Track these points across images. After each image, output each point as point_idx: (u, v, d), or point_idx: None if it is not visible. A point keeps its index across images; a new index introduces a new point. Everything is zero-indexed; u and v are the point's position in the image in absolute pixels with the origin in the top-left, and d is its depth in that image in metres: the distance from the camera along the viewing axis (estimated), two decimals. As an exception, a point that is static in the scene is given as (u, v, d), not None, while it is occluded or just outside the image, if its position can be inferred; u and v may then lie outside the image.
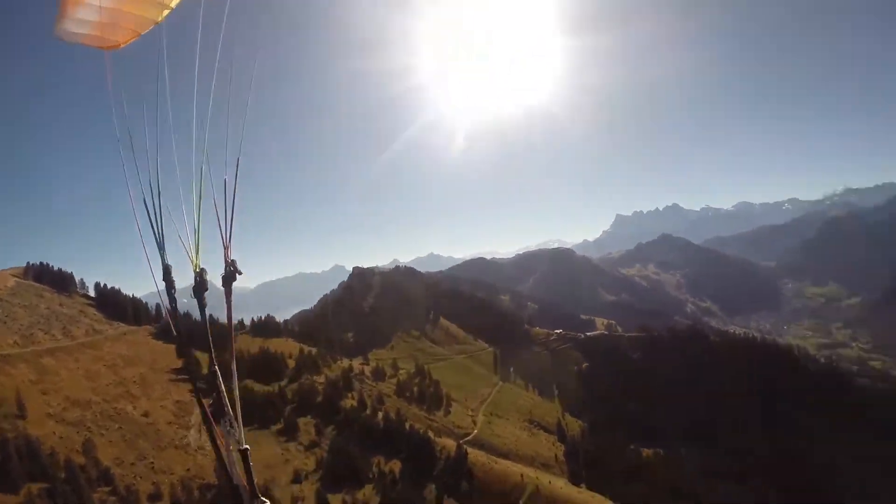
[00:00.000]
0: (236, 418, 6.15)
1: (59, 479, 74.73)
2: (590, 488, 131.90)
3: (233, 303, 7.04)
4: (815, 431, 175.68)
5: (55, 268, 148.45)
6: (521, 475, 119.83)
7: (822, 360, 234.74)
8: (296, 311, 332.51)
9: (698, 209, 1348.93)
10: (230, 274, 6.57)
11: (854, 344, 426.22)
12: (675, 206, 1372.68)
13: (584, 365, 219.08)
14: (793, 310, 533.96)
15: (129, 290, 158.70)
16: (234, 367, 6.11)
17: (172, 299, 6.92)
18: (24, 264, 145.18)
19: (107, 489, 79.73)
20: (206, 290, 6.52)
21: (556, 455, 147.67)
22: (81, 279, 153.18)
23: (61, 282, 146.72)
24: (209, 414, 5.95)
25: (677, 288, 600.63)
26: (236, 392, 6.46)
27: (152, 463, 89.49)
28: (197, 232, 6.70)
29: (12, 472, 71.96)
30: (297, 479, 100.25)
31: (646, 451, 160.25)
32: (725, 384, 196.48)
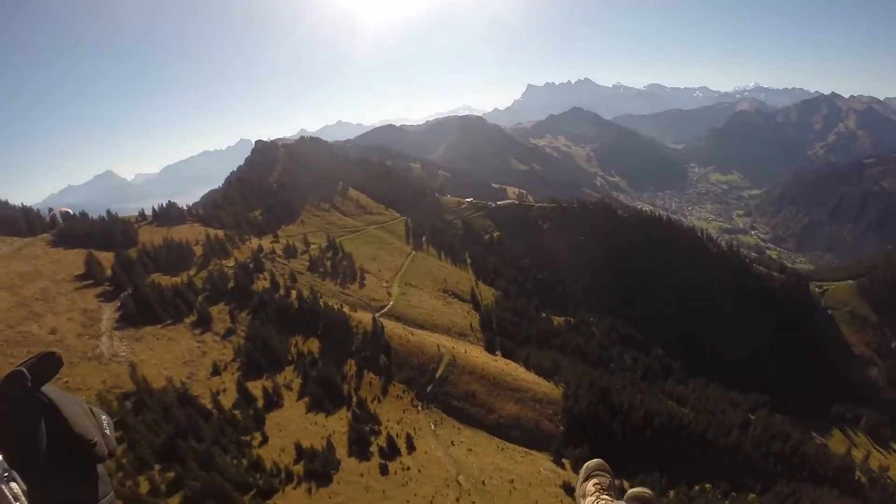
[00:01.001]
0: None
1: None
2: (505, 356, 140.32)
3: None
4: (715, 311, 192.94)
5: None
6: (438, 346, 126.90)
7: (724, 244, 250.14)
8: (204, 191, 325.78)
9: (610, 86, 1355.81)
10: None
11: (752, 232, 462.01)
12: (588, 80, 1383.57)
13: (496, 234, 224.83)
14: (697, 193, 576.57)
15: (17, 200, 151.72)
16: None
17: None
18: None
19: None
20: None
21: (470, 324, 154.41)
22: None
23: None
24: None
25: (587, 161, 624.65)
26: None
27: (66, 381, 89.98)
28: None
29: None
30: (216, 370, 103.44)
31: (557, 320, 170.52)
32: (632, 258, 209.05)
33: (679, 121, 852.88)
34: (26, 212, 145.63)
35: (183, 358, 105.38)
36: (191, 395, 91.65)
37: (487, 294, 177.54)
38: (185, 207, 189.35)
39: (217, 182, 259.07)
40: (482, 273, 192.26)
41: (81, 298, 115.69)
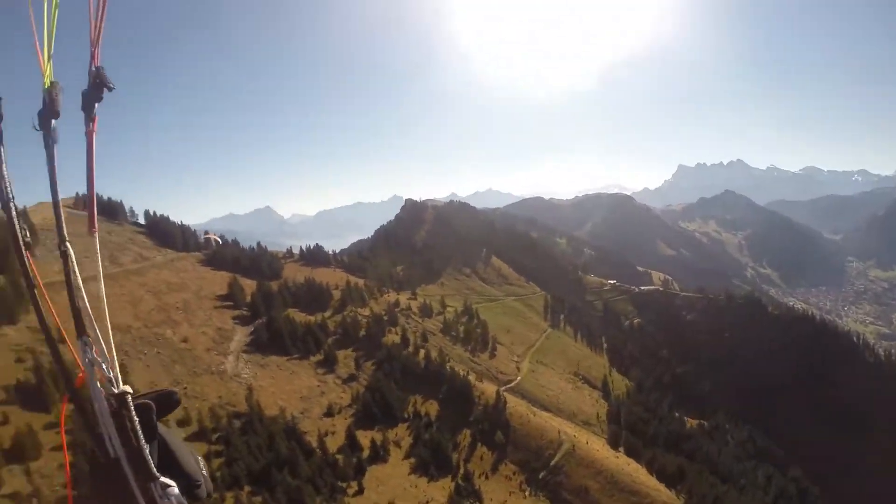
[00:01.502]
0: (108, 346, 3.26)
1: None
2: (628, 453, 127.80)
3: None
4: (865, 430, 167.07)
5: (105, 197, 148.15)
6: (559, 431, 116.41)
7: (881, 351, 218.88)
8: (353, 239, 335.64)
9: (763, 168, 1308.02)
10: (95, 87, 3.52)
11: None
12: (741, 161, 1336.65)
13: (637, 320, 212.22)
14: (855, 290, 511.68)
15: (178, 218, 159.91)
16: (98, 257, 3.48)
17: None
18: (74, 195, 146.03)
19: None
20: (58, 116, 3.46)
21: (598, 413, 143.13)
22: (131, 208, 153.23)
23: (111, 211, 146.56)
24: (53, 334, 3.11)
25: (738, 249, 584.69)
26: (103, 295, 3.46)
27: (185, 388, 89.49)
28: (51, 23, 3.51)
29: (47, 393, 72.52)
30: (329, 412, 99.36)
31: (690, 421, 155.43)
32: (780, 361, 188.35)
33: (836, 208, 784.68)
34: (183, 229, 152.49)
35: (301, 393, 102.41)
36: (298, 430, 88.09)
37: (620, 384, 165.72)
38: (331, 252, 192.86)
39: (368, 231, 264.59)
40: (617, 360, 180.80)
41: (218, 316, 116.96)
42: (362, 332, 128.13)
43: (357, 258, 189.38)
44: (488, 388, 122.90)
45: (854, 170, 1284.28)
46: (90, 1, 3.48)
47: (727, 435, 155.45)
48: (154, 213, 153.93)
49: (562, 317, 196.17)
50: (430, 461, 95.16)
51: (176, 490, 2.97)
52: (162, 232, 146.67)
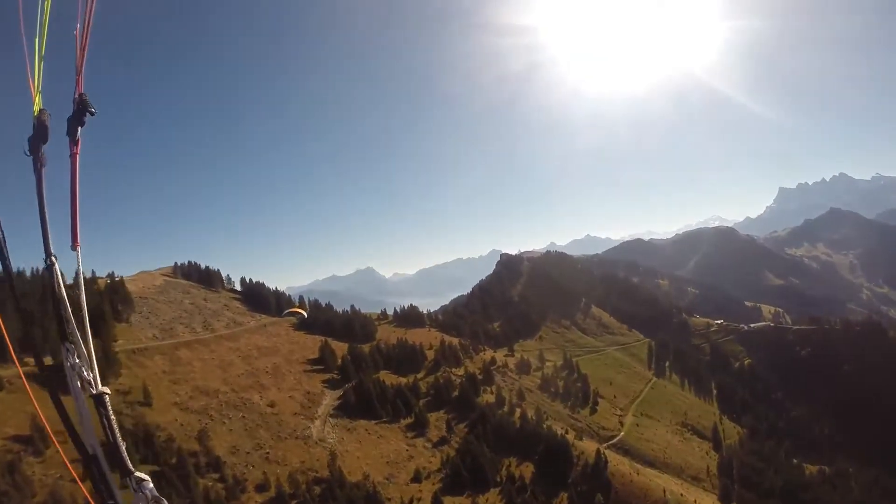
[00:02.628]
0: (87, 350, 3.51)
1: (169, 465, 74.66)
2: None
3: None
4: None
5: (203, 266, 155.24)
6: (665, 491, 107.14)
7: None
8: (454, 296, 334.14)
9: (869, 178, 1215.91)
10: (79, 113, 3.93)
11: None
12: (843, 175, 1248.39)
13: (747, 361, 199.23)
14: None
15: (283, 281, 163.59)
16: (80, 269, 3.65)
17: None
18: (173, 265, 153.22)
19: (215, 476, 78.91)
20: (46, 141, 3.86)
21: (707, 467, 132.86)
22: (228, 275, 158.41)
23: (208, 278, 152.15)
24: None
25: (851, 271, 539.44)
26: (83, 301, 3.66)
27: (268, 453, 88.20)
28: (38, 51, 4.00)
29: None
30: (417, 477, 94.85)
31: (809, 468, 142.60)
32: None
33: None
34: (278, 295, 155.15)
35: (387, 457, 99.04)
36: (380, 497, 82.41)
37: (731, 432, 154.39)
38: (426, 312, 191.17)
39: (468, 287, 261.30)
40: (728, 406, 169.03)
41: (308, 380, 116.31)
42: (455, 393, 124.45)
43: (452, 316, 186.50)
44: (588, 447, 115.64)
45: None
46: (76, 31, 3.91)
47: (851, 481, 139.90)
48: (250, 279, 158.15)
49: (667, 364, 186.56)
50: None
51: (150, 485, 3.16)
52: (257, 297, 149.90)
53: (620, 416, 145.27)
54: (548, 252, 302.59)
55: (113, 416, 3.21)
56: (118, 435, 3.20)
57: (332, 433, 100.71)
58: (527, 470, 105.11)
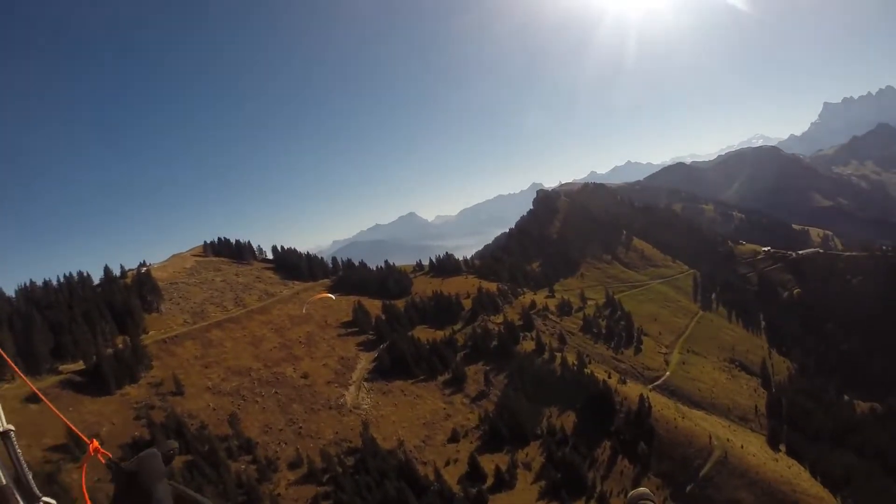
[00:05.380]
0: None
1: (201, 453, 74.99)
2: (789, 453, 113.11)
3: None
4: None
5: (233, 241, 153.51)
6: (710, 436, 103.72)
7: None
8: (497, 233, 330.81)
9: None
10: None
11: None
12: (890, 88, 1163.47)
13: (796, 291, 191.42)
14: None
15: (329, 238, 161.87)
16: None
17: None
18: (202, 243, 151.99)
19: (248, 458, 79.18)
20: None
21: (756, 406, 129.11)
22: (259, 246, 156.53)
23: (238, 252, 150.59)
24: None
25: None
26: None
27: (300, 428, 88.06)
28: None
29: (157, 448, 73.29)
30: (454, 437, 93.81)
31: (860, 406, 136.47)
32: None
33: None
34: (310, 259, 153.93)
35: (424, 419, 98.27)
36: (413, 464, 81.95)
37: (781, 367, 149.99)
38: (466, 256, 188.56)
39: (511, 224, 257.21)
40: (777, 340, 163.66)
41: (342, 345, 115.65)
42: (494, 343, 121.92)
43: (490, 261, 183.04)
44: (632, 391, 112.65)
45: None
46: None
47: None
48: (281, 247, 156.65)
49: (713, 296, 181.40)
50: (563, 483, 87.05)
51: None
52: (289, 265, 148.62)
53: (666, 354, 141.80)
54: (585, 184, 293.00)
55: (19, 451, 3.34)
56: (24, 466, 3.30)
57: (366, 398, 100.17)
58: (568, 420, 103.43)
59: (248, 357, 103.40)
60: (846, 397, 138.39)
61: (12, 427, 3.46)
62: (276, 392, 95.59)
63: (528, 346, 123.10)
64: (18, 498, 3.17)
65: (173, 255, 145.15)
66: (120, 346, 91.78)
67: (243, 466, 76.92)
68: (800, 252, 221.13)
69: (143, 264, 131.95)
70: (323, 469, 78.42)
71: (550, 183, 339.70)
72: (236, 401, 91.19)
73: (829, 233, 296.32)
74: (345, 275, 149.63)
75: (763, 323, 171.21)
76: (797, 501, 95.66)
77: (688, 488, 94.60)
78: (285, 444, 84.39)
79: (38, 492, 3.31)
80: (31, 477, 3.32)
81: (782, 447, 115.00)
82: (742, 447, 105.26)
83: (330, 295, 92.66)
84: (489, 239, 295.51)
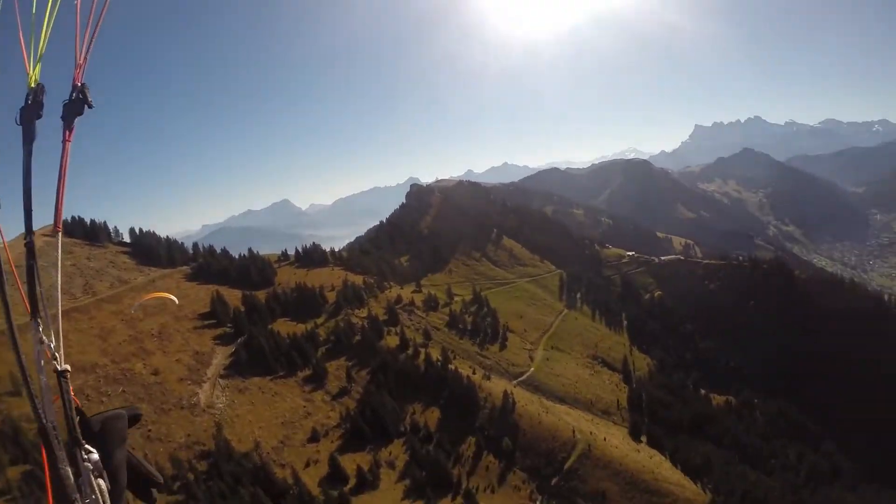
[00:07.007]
0: (56, 328, 3.76)
1: (39, 462, 68.89)
2: (650, 444, 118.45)
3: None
4: None
5: (87, 220, 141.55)
6: (574, 430, 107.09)
7: None
8: (371, 225, 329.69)
9: (782, 123, 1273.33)
10: (78, 102, 3.85)
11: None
12: (758, 118, 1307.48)
13: (658, 293, 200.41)
14: (879, 244, 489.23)
15: (165, 232, 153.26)
16: (59, 243, 4.15)
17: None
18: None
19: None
20: (40, 116, 3.77)
21: (617, 400, 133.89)
22: (115, 227, 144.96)
23: (93, 234, 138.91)
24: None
25: (759, 208, 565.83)
26: (59, 284, 4.18)
27: (150, 430, 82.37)
28: (46, 24, 3.81)
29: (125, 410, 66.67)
30: (314, 436, 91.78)
31: (716, 399, 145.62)
32: (809, 328, 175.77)
33: (858, 160, 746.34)
34: (170, 244, 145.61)
35: (283, 417, 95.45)
36: (269, 468, 79.26)
37: (641, 363, 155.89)
38: (336, 247, 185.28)
39: (386, 217, 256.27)
40: (638, 338, 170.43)
41: (197, 339, 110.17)
42: (357, 338, 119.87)
43: (358, 253, 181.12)
44: (496, 387, 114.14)
45: (875, 119, 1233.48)
46: (77, 19, 3.80)
47: (756, 411, 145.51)
48: (140, 230, 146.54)
49: (578, 296, 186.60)
50: (428, 481, 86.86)
51: (95, 456, 3.32)
52: (147, 249, 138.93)
53: (531, 350, 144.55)
54: (460, 181, 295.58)
55: (72, 393, 3.43)
56: (73, 410, 3.36)
57: (221, 397, 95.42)
58: (432, 416, 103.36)
59: (95, 352, 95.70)
60: (703, 391, 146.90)
61: (69, 367, 3.52)
62: (124, 391, 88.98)
63: (392, 341, 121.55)
64: (58, 439, 3.17)
65: (20, 235, 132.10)
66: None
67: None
68: (662, 258, 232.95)
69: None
70: (173, 476, 73.82)
71: (428, 179, 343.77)
72: (80, 400, 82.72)
73: (691, 242, 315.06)
74: (205, 262, 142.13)
75: (625, 322, 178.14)
76: (659, 489, 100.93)
77: (553, 481, 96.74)
78: (132, 448, 79.11)
79: (81, 437, 3.32)
80: (77, 421, 3.35)
81: (644, 438, 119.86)
82: (605, 440, 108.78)
83: (170, 296, 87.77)
84: (363, 230, 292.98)
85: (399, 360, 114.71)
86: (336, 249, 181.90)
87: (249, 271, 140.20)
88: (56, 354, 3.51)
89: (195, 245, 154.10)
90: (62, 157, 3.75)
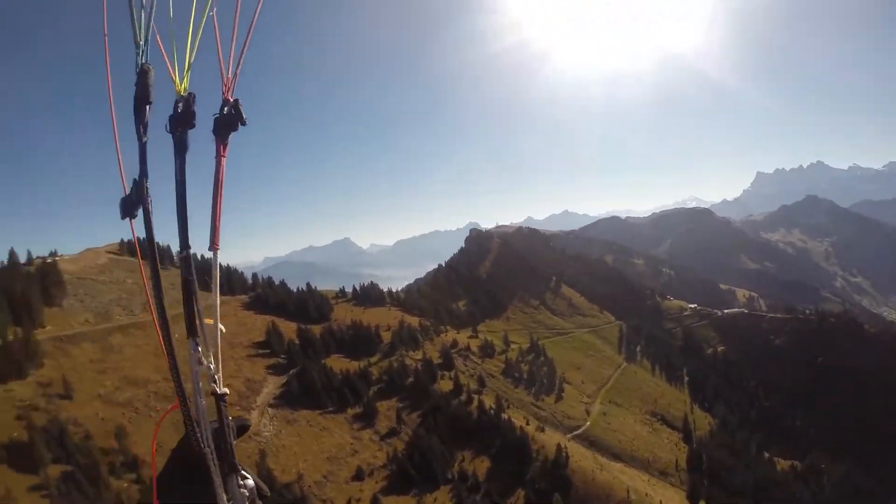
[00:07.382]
0: (214, 349, 3.46)
1: (82, 465, 67.80)
2: None
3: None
4: None
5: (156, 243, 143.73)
6: (628, 490, 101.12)
7: None
8: (431, 268, 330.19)
9: (845, 168, 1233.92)
10: (228, 117, 3.47)
11: None
12: (820, 163, 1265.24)
13: (720, 348, 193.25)
14: None
15: (227, 261, 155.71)
16: (216, 261, 3.47)
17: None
18: (119, 241, 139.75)
19: (132, 476, 71.91)
20: (192, 126, 3.43)
21: (676, 460, 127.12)
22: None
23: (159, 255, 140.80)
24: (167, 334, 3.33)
25: (825, 258, 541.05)
26: (217, 304, 3.63)
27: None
28: (193, 34, 3.50)
29: (35, 453, 66.00)
30: (359, 475, 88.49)
31: (781, 463, 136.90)
32: (880, 386, 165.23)
33: None
34: (230, 272, 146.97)
35: (329, 452, 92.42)
36: (311, 502, 76.08)
37: (703, 422, 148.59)
38: (392, 288, 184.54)
39: (444, 260, 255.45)
40: (699, 395, 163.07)
41: (250, 367, 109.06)
42: (410, 380, 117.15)
43: (415, 295, 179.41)
44: (550, 440, 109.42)
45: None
46: (234, 30, 3.39)
47: (823, 477, 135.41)
48: (202, 256, 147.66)
49: (638, 349, 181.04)
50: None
51: (251, 482, 3.19)
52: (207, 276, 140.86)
53: (588, 403, 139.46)
54: (519, 228, 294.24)
55: (230, 417, 3.27)
56: (231, 435, 3.19)
57: (269, 425, 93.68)
58: (482, 465, 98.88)
59: (148, 367, 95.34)
60: (766, 454, 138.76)
61: (227, 391, 3.29)
62: (166, 407, 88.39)
63: (445, 385, 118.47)
64: (216, 464, 2.95)
65: (87, 249, 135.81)
66: (11, 337, 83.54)
67: (125, 485, 69.61)
68: (725, 311, 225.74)
69: (53, 254, 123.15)
70: (211, 502, 71.97)
71: (488, 224, 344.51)
72: (128, 413, 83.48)
73: (755, 294, 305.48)
74: (263, 293, 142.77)
75: (686, 378, 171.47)
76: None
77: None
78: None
79: (237, 463, 3.08)
80: (234, 444, 3.18)
81: (702, 502, 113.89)
82: (661, 503, 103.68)
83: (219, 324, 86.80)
84: (422, 273, 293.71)
85: (451, 405, 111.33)
86: (394, 290, 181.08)
87: (307, 305, 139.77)
88: (216, 377, 3.25)
89: (254, 276, 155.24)
90: (216, 173, 3.30)
